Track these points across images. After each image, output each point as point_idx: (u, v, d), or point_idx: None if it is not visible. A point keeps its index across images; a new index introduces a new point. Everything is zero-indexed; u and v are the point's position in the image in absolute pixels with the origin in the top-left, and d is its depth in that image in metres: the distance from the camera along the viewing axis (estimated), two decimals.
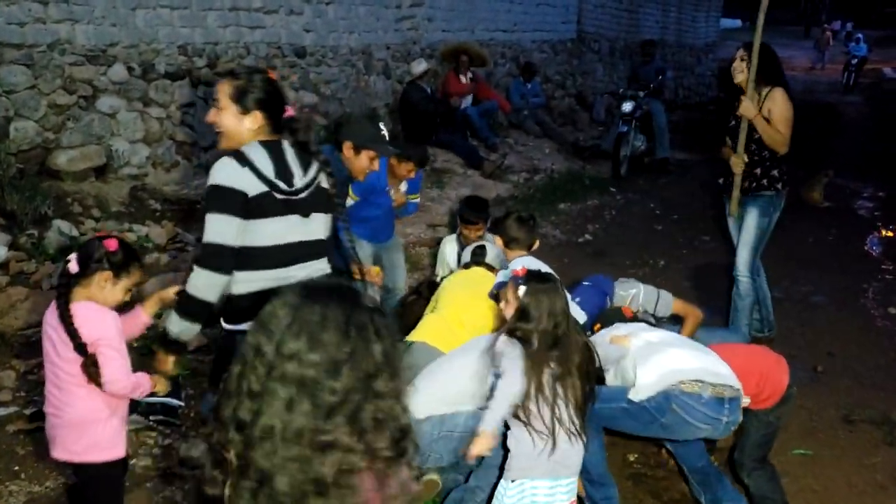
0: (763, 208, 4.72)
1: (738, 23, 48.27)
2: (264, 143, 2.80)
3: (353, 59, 8.88)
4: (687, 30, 18.28)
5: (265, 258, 2.77)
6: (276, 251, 2.79)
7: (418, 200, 5.00)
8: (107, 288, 2.61)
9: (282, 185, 2.76)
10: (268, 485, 1.30)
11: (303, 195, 2.84)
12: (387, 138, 3.79)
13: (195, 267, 2.71)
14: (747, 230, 4.77)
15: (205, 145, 6.99)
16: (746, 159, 4.67)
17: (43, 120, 5.75)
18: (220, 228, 2.68)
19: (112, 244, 2.60)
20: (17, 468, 3.57)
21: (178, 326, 2.76)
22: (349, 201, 4.47)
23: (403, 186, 4.66)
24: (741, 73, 4.63)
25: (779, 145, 4.58)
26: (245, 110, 2.79)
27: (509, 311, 2.88)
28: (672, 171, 10.60)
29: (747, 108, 4.55)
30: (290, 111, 2.91)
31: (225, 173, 2.70)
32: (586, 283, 4.28)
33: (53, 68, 5.77)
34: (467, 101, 9.81)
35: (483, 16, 11.19)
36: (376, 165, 3.81)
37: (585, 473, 3.10)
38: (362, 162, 3.75)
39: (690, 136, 12.70)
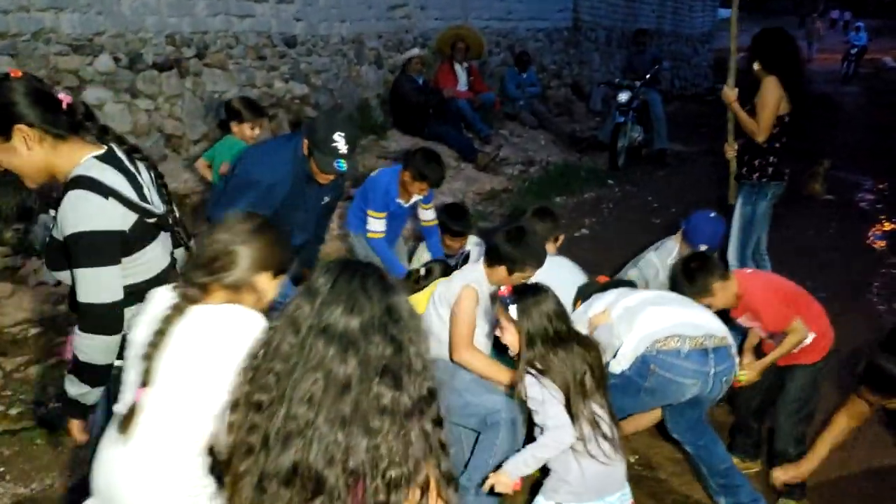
0: (745, 196, 4.80)
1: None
2: (102, 158, 2.28)
3: (344, 48, 8.72)
4: (684, 19, 18.13)
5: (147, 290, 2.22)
6: (157, 281, 2.35)
7: (432, 212, 4.72)
8: None
9: (149, 206, 2.33)
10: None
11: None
12: (341, 152, 3.41)
13: (82, 333, 2.25)
14: (734, 218, 4.85)
15: (194, 138, 6.84)
16: (735, 146, 4.80)
17: None
18: (107, 283, 2.23)
19: None
20: (2, 469, 3.47)
21: (77, 390, 2.34)
22: (380, 230, 4.49)
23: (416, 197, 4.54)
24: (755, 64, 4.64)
25: (753, 133, 4.61)
26: (5, 136, 2.20)
27: (509, 338, 2.74)
28: (670, 162, 10.47)
29: (725, 94, 4.74)
30: (65, 99, 2.28)
31: (90, 214, 2.19)
32: None
33: (38, 58, 5.61)
34: (462, 90, 9.66)
35: (477, 4, 11.02)
36: (322, 180, 3.57)
37: None
38: (312, 167, 3.53)
39: (688, 127, 12.58)
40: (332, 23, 8.49)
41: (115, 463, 2.02)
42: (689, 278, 3.39)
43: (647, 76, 9.99)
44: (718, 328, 3.13)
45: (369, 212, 4.45)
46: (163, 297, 2.06)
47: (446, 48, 9.71)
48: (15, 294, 4.76)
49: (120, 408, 2.04)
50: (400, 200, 4.49)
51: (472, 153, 8.92)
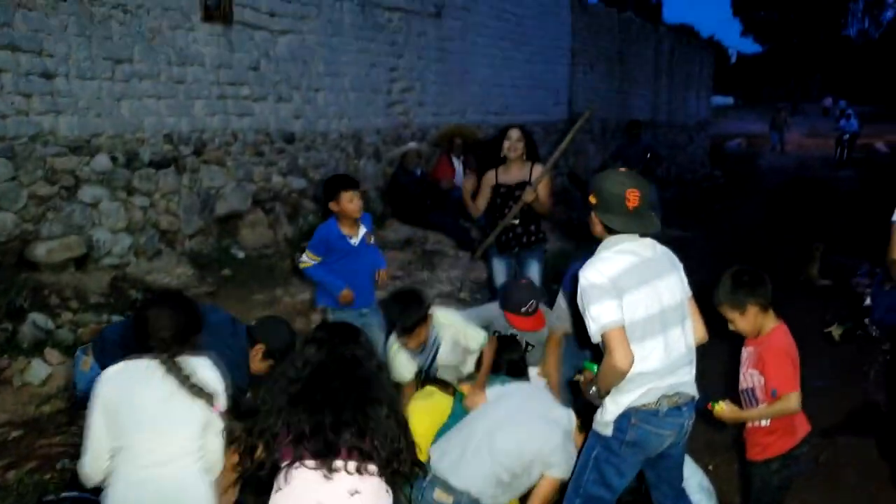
0: None
1: (730, 100, 49.33)
2: None
3: (342, 143, 8.91)
4: (678, 109, 18.54)
5: None
6: None
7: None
8: None
9: None
10: None
11: None
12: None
13: None
14: None
15: (189, 232, 6.91)
16: None
17: (22, 211, 5.68)
18: None
19: None
20: None
21: None
22: (310, 263, 4.75)
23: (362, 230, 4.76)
24: None
25: None
26: None
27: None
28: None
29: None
30: None
31: None
32: None
33: (35, 160, 5.73)
34: (459, 182, 9.79)
35: (474, 100, 11.31)
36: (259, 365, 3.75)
37: None
38: (255, 364, 3.71)
39: (685, 213, 12.67)
40: (331, 119, 8.70)
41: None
42: (734, 285, 3.31)
43: (640, 167, 10.10)
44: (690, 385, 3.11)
45: (307, 252, 4.78)
46: (134, 365, 2.68)
47: (444, 142, 9.94)
48: None
49: None
50: (347, 233, 4.69)
51: (470, 242, 8.98)
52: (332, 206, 4.64)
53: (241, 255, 7.29)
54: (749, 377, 3.36)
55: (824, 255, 8.80)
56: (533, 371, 4.40)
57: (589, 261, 2.99)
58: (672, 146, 17.51)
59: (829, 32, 53.91)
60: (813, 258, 8.63)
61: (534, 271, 5.77)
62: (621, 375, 2.87)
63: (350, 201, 4.59)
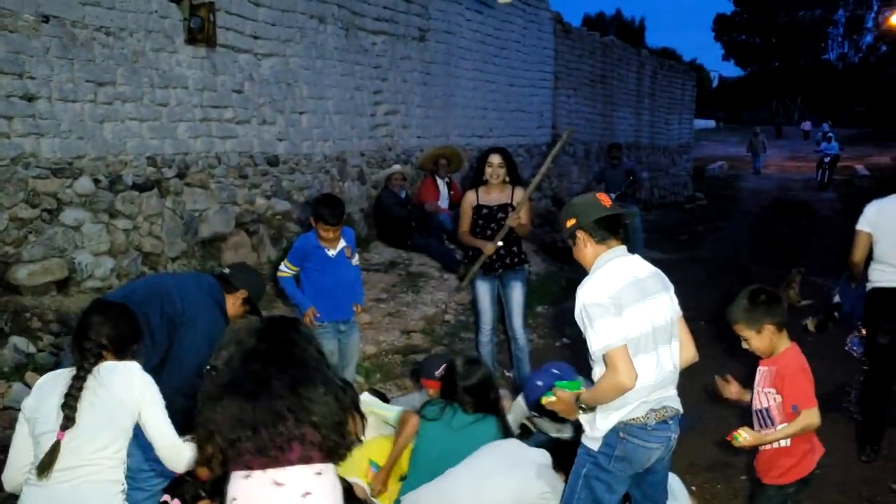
0: None
1: (711, 123, 49.84)
2: None
3: (327, 165, 8.92)
4: (661, 132, 18.71)
5: None
6: None
7: (357, 259, 5.25)
8: None
9: None
10: None
11: None
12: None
13: None
14: None
15: (172, 255, 6.88)
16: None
17: (3, 234, 5.64)
18: None
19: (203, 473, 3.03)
20: None
21: None
22: (288, 273, 5.05)
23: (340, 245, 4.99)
24: None
25: None
26: None
27: None
28: None
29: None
30: None
31: None
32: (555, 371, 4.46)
33: (17, 182, 5.69)
34: (444, 205, 9.84)
35: (458, 122, 11.38)
36: (239, 310, 4.01)
37: None
38: (236, 309, 3.98)
39: (667, 235, 12.76)
40: (315, 142, 8.72)
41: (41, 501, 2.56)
42: (751, 303, 3.34)
43: (622, 191, 10.18)
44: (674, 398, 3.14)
45: (285, 261, 5.09)
46: (54, 376, 2.74)
47: (429, 164, 9.98)
48: None
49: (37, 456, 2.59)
50: (324, 246, 4.93)
51: (455, 264, 8.99)
52: (313, 222, 4.92)
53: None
54: (765, 397, 3.37)
55: (805, 277, 8.89)
56: None
57: (587, 279, 3.06)
58: (655, 168, 17.67)
59: (810, 56, 54.76)
60: (793, 282, 8.72)
61: (517, 292, 5.81)
62: (623, 392, 2.92)
63: (325, 231, 4.87)
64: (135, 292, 3.78)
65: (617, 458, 3.02)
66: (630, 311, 2.97)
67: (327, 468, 2.53)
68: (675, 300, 3.23)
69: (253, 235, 7.83)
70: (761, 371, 3.41)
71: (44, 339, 5.44)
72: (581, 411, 3.09)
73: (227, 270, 4.14)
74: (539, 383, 4.44)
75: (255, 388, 2.46)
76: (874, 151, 31.18)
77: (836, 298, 6.92)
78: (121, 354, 2.78)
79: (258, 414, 2.41)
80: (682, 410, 3.17)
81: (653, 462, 3.12)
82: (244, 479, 2.45)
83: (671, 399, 3.13)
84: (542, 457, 3.64)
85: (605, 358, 2.95)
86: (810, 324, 7.47)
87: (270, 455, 2.42)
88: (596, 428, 3.04)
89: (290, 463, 2.44)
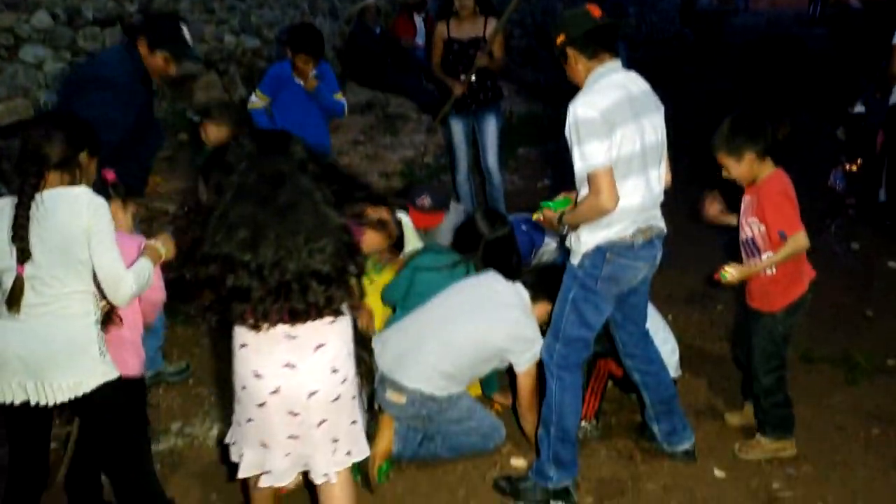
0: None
1: None
2: None
3: (297, 0, 8.48)
4: None
5: None
6: None
7: (344, 100, 4.97)
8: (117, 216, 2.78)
9: None
10: None
11: None
12: (188, 41, 3.76)
13: None
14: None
15: None
16: None
17: None
18: None
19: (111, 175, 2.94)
20: None
21: None
22: (259, 104, 4.83)
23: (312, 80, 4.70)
24: None
25: None
26: None
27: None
28: None
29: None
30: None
31: None
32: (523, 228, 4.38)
33: None
34: (421, 40, 9.46)
35: None
36: (172, 69, 3.77)
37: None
38: (157, 62, 3.69)
39: (654, 73, 12.40)
40: None
41: (15, 334, 2.49)
42: (732, 131, 3.26)
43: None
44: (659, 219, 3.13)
45: (256, 91, 4.91)
46: (4, 202, 2.49)
47: None
48: None
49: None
50: (299, 80, 4.70)
51: (433, 104, 8.75)
52: (289, 53, 4.68)
53: (196, 118, 7.04)
54: (749, 227, 3.34)
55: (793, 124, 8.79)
56: None
57: (579, 94, 2.95)
58: (641, 3, 17.01)
59: None
60: (782, 126, 8.62)
61: (490, 128, 5.66)
62: (604, 214, 2.89)
63: (305, 64, 4.64)
64: (69, 99, 3.66)
65: (604, 278, 3.01)
66: (621, 129, 2.87)
67: (340, 321, 2.47)
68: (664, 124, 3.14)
69: (223, 75, 7.54)
70: (745, 201, 3.36)
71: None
72: (563, 227, 3.07)
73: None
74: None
75: (245, 243, 2.28)
76: None
77: (859, 109, 7.19)
78: (66, 173, 2.55)
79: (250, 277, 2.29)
80: (666, 230, 3.15)
81: (638, 281, 3.14)
82: (255, 332, 2.39)
83: (657, 219, 3.11)
84: (515, 296, 3.54)
85: (588, 178, 2.89)
86: (840, 133, 7.97)
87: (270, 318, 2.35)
88: (581, 243, 3.01)
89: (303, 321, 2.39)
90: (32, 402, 2.54)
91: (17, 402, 2.54)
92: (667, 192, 3.18)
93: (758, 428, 3.53)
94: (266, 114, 4.85)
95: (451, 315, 3.45)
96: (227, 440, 2.68)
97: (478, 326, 3.40)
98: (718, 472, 3.41)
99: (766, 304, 3.37)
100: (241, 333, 2.45)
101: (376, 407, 3.45)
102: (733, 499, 3.26)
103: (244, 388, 2.48)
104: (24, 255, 2.44)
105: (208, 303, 2.35)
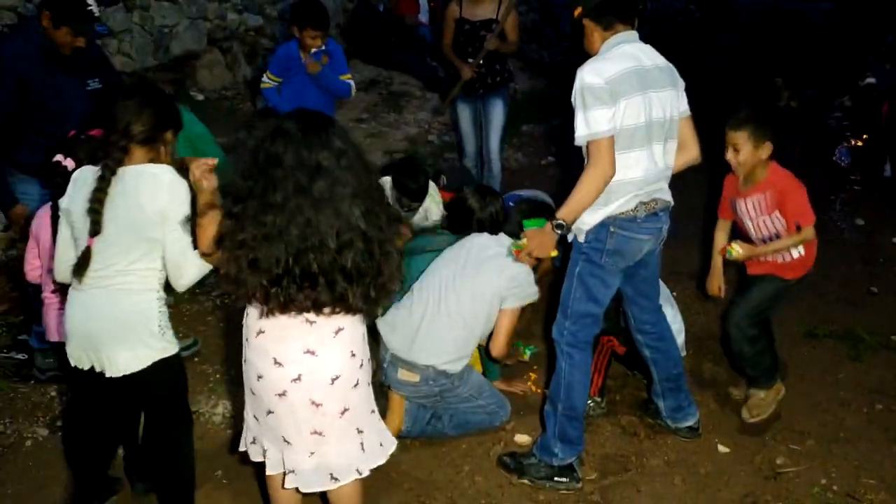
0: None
1: None
2: None
3: None
4: None
5: None
6: None
7: (352, 81, 4.88)
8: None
9: None
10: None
11: None
12: (94, 14, 3.65)
13: None
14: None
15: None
16: None
17: None
18: None
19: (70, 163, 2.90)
20: None
21: None
22: (271, 84, 4.79)
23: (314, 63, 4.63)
24: None
25: None
26: None
27: None
28: None
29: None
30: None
31: None
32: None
33: None
34: (425, 17, 9.39)
35: None
36: (81, 41, 3.67)
37: None
38: (63, 37, 3.61)
39: (660, 49, 12.34)
40: None
41: (79, 304, 2.55)
42: (761, 118, 3.33)
43: None
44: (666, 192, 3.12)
45: (267, 73, 4.86)
46: (89, 171, 2.52)
47: None
48: None
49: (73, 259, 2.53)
50: (305, 61, 4.64)
51: (437, 82, 8.71)
52: (294, 31, 4.63)
53: (199, 97, 7.04)
54: (770, 223, 3.38)
55: (792, 87, 8.75)
56: None
57: (589, 61, 2.94)
58: None
59: None
60: (781, 90, 8.60)
61: (497, 113, 5.57)
62: (604, 183, 2.87)
63: (313, 39, 4.58)
64: None
65: (608, 251, 3.02)
66: (625, 101, 2.85)
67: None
68: (685, 98, 3.12)
69: (227, 53, 7.50)
70: (756, 200, 3.39)
71: None
72: (559, 229, 2.94)
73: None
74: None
75: (271, 230, 2.21)
76: None
77: (870, 80, 7.32)
78: (150, 151, 2.55)
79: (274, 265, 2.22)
80: (672, 202, 3.13)
81: (644, 254, 3.13)
82: (271, 318, 2.32)
83: (662, 192, 3.09)
84: (502, 246, 3.43)
85: (588, 146, 2.88)
86: (846, 100, 8.24)
87: (292, 304, 2.28)
88: (584, 221, 3.00)
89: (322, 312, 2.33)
90: (97, 370, 2.57)
91: (86, 368, 2.59)
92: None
93: (751, 385, 3.59)
94: (277, 93, 4.82)
95: (450, 282, 3.43)
96: (242, 445, 2.61)
97: (476, 282, 3.38)
98: (722, 448, 3.43)
99: (782, 272, 3.45)
100: (256, 321, 2.38)
101: (386, 387, 3.46)
102: (737, 474, 3.28)
103: (261, 377, 2.40)
104: (96, 227, 2.45)
105: (232, 286, 2.28)
